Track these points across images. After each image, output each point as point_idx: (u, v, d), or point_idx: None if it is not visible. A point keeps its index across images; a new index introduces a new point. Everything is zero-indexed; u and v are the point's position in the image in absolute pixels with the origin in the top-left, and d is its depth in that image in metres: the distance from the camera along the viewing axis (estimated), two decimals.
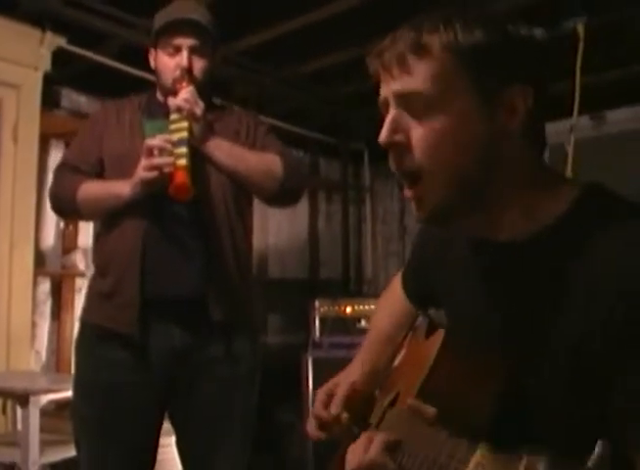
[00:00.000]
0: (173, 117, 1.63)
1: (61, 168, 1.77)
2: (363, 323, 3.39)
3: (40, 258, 2.99)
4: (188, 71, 1.68)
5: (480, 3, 2.49)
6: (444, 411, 0.76)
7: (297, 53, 3.21)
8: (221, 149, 1.67)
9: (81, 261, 3.09)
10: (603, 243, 0.74)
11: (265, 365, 1.81)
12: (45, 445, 2.21)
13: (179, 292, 1.63)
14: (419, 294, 1.12)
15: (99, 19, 2.71)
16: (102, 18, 2.72)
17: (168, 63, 1.71)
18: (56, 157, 2.93)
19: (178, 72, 1.68)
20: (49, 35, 2.74)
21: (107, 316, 1.64)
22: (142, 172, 1.58)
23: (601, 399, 0.72)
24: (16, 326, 2.71)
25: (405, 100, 0.80)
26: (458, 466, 0.68)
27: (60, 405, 2.42)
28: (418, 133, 0.79)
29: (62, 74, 3.02)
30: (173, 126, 1.62)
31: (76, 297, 3.07)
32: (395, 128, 0.81)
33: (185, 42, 1.69)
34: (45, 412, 2.27)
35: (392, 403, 0.93)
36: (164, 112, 1.68)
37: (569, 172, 2.48)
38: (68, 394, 1.80)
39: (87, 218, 2.07)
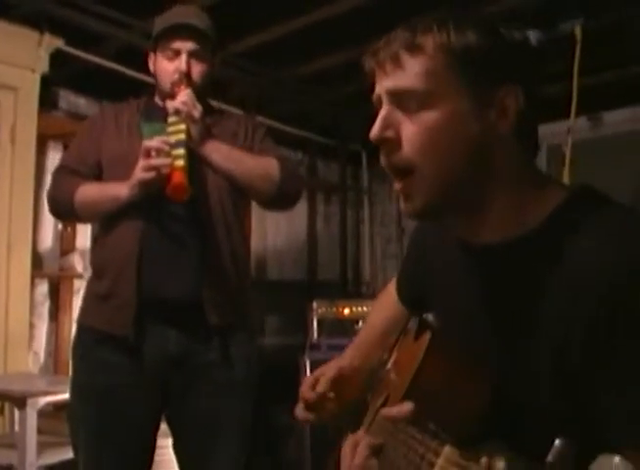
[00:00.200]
0: (171, 119, 1.64)
1: (59, 171, 1.77)
2: (361, 325, 3.39)
3: (38, 260, 2.99)
4: (186, 75, 1.69)
5: (479, 5, 2.51)
6: (432, 410, 0.77)
7: (295, 55, 3.21)
8: (219, 151, 1.68)
9: (79, 263, 3.09)
10: (586, 245, 0.74)
11: (263, 367, 1.81)
12: (42, 446, 2.22)
13: (175, 294, 1.63)
14: (412, 297, 1.14)
15: (96, 20, 2.71)
16: (99, 19, 2.72)
17: (167, 66, 1.71)
18: (54, 158, 2.93)
19: (177, 76, 1.69)
20: (47, 37, 2.74)
21: (102, 319, 1.64)
22: (140, 173, 1.59)
23: (585, 399, 0.73)
24: (13, 328, 2.71)
25: (397, 97, 0.81)
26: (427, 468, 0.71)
27: (57, 407, 2.42)
28: (408, 130, 0.80)
29: (59, 76, 3.02)
30: (171, 128, 1.63)
31: (74, 298, 3.06)
32: (387, 125, 0.82)
33: (184, 46, 1.70)
34: (43, 414, 2.27)
35: (383, 406, 0.94)
36: (163, 115, 1.69)
37: (566, 173, 2.49)
38: (66, 396, 1.80)
39: (85, 221, 2.07)
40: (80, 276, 3.05)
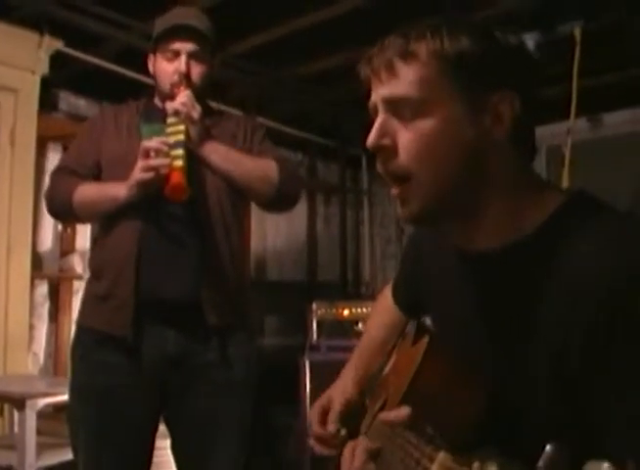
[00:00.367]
0: (170, 119, 1.64)
1: (57, 172, 1.77)
2: (361, 326, 3.38)
3: (38, 261, 2.99)
4: (186, 76, 1.69)
5: (479, 7, 2.51)
6: (429, 415, 0.77)
7: (295, 55, 3.21)
8: (218, 152, 1.68)
9: (79, 264, 3.09)
10: (585, 250, 0.74)
11: (263, 367, 1.81)
12: (42, 447, 2.21)
13: (174, 294, 1.63)
14: (409, 302, 1.14)
15: (96, 22, 2.72)
16: (99, 21, 2.72)
17: (167, 68, 1.72)
18: (53, 159, 2.93)
19: (176, 77, 1.69)
20: (47, 38, 2.75)
21: (101, 319, 1.64)
22: (138, 173, 1.59)
23: (584, 404, 0.73)
24: (13, 329, 2.71)
25: (393, 105, 0.82)
26: None
27: (57, 408, 2.42)
28: (404, 137, 0.81)
29: (59, 77, 3.03)
30: (170, 129, 1.63)
31: (74, 299, 3.07)
32: (383, 133, 0.82)
33: (184, 47, 1.70)
34: (42, 415, 2.27)
35: (382, 409, 0.94)
36: (162, 116, 1.69)
37: (565, 174, 2.49)
38: (65, 397, 1.79)
39: (84, 221, 2.07)
40: (80, 277, 3.05)
